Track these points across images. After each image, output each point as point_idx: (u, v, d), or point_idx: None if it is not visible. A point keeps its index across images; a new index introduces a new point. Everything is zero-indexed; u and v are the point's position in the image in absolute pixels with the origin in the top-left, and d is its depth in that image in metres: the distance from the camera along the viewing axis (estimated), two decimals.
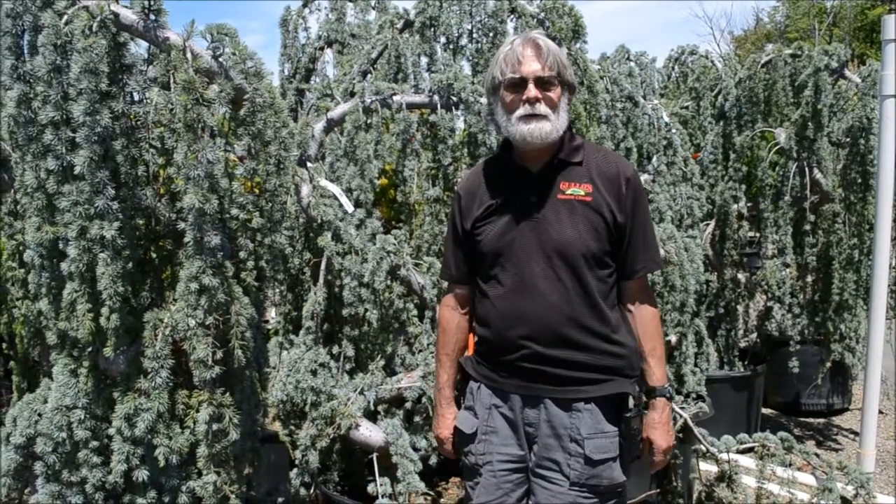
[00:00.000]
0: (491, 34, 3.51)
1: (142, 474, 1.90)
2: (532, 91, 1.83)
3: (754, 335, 5.12)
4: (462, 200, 2.01)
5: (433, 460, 2.84)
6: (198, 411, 1.91)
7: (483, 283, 1.97)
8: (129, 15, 1.88)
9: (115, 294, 1.83)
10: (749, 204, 4.70)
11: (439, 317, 2.16)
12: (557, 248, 1.84)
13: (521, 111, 1.84)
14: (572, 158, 1.91)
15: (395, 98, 3.19)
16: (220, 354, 1.89)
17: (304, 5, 5.05)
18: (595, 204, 1.86)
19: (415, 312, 3.01)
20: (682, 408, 3.26)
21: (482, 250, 1.94)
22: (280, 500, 3.02)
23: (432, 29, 3.62)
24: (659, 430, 1.96)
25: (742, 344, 5.01)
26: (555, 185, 1.89)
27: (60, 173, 1.82)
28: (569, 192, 1.87)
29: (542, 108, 1.84)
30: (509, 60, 1.86)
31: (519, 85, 1.85)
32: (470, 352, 2.08)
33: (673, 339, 3.47)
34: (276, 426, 2.94)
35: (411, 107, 3.24)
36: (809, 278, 4.70)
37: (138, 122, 1.94)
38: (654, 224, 2.27)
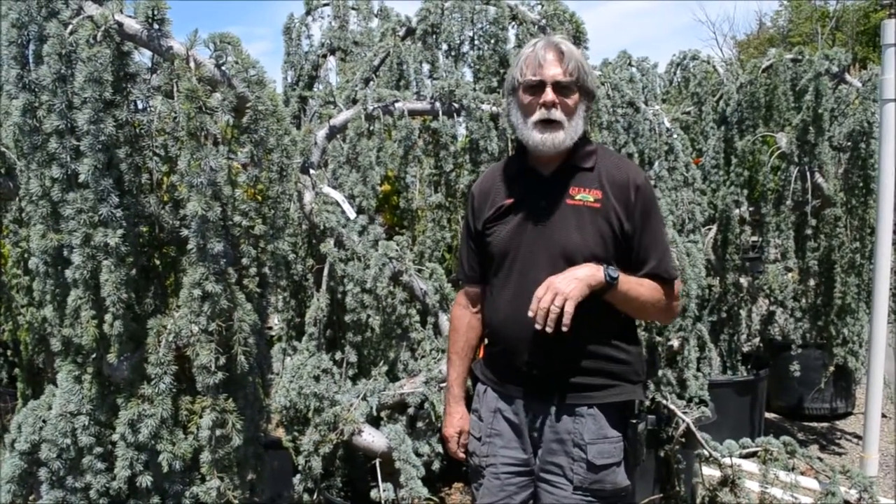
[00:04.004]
0: (492, 41, 3.53)
1: (145, 480, 1.90)
2: (549, 95, 1.83)
3: (757, 339, 5.12)
4: (475, 200, 2.02)
5: (436, 466, 2.84)
6: (201, 417, 1.92)
7: (491, 285, 1.99)
8: (132, 24, 1.89)
9: (119, 301, 1.84)
10: (751, 208, 4.70)
11: (451, 315, 2.18)
12: (563, 253, 1.84)
13: (536, 115, 1.84)
14: (583, 164, 1.91)
15: (397, 105, 3.21)
16: (223, 360, 1.90)
17: (307, 13, 5.08)
18: (603, 211, 1.85)
19: (417, 318, 3.02)
20: (684, 412, 3.26)
21: (491, 252, 1.96)
22: None
23: (434, 36, 3.63)
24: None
25: (745, 348, 5.01)
26: (565, 190, 1.89)
27: (65, 181, 1.83)
28: (578, 197, 1.87)
29: (557, 113, 1.83)
30: (530, 63, 1.85)
31: (537, 88, 1.84)
32: (481, 355, 2.10)
33: (675, 343, 3.48)
34: (280, 432, 2.95)
35: (413, 113, 3.25)
36: (812, 282, 4.70)
37: (142, 131, 1.95)
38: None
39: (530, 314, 1.74)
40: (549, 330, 1.72)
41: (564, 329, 1.71)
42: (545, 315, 1.72)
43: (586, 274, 1.76)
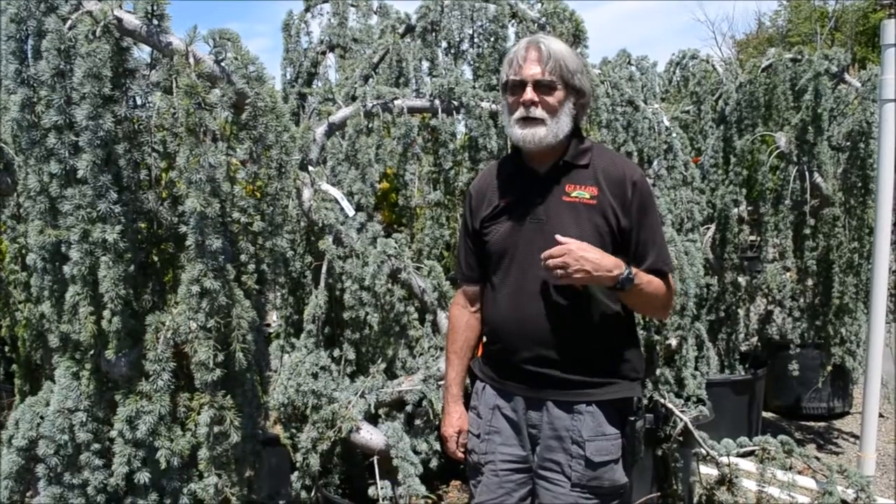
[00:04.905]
0: (492, 39, 3.52)
1: (143, 476, 1.91)
2: (528, 94, 1.84)
3: (755, 339, 5.13)
4: (472, 200, 2.03)
5: (434, 463, 2.84)
6: (199, 414, 1.92)
7: (490, 283, 1.99)
8: (132, 20, 1.89)
9: (117, 297, 1.84)
10: (749, 208, 4.71)
11: (449, 315, 2.18)
12: None
13: (517, 114, 1.86)
14: (578, 161, 1.91)
15: (396, 102, 3.20)
16: (221, 357, 1.90)
17: (307, 10, 5.06)
18: (599, 207, 1.86)
19: (415, 316, 3.02)
20: (682, 411, 3.26)
21: (489, 250, 1.96)
22: (281, 503, 3.03)
23: (434, 33, 3.63)
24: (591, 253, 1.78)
25: (743, 347, 5.01)
26: (560, 188, 1.89)
27: (63, 177, 1.83)
28: (574, 194, 1.88)
29: (537, 111, 1.84)
30: (513, 63, 1.88)
31: (519, 87, 1.86)
32: (480, 353, 2.10)
33: (673, 342, 3.48)
34: (278, 429, 2.95)
35: (412, 111, 3.25)
36: (810, 282, 4.71)
37: (141, 127, 1.95)
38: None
39: (543, 255, 1.77)
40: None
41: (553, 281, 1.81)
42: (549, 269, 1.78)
43: (602, 273, 1.76)
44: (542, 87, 1.84)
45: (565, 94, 1.87)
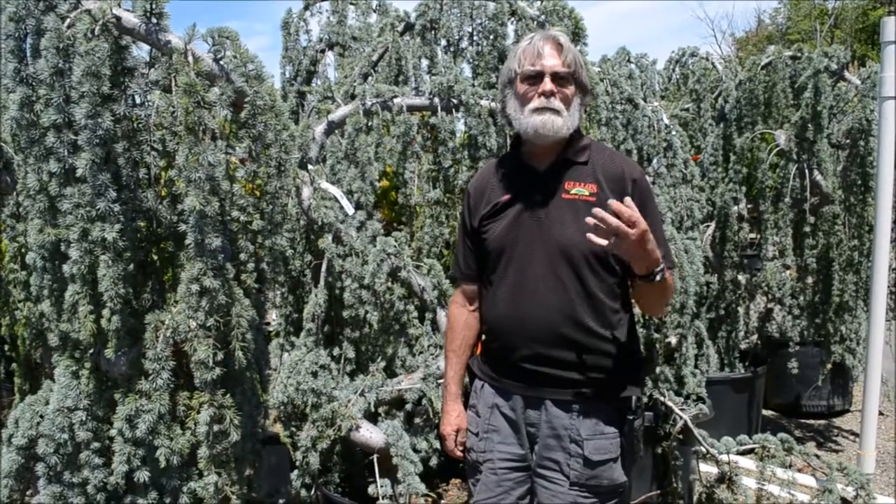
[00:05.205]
0: (491, 37, 3.52)
1: (143, 475, 1.91)
2: (548, 85, 1.84)
3: (755, 337, 5.13)
4: (471, 198, 2.03)
5: (433, 462, 2.84)
6: (199, 412, 1.92)
7: (488, 281, 1.99)
8: (130, 18, 1.89)
9: (117, 296, 1.84)
10: (749, 206, 4.70)
11: (448, 313, 2.18)
12: (560, 248, 1.85)
13: (535, 103, 1.86)
14: (578, 158, 1.92)
15: (395, 100, 3.20)
16: (220, 356, 1.90)
17: (306, 8, 5.06)
18: (598, 204, 1.84)
19: (415, 314, 3.02)
20: (682, 409, 3.26)
21: (488, 248, 1.96)
22: (281, 501, 3.03)
23: (433, 31, 3.63)
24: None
25: (742, 346, 5.01)
26: (560, 185, 1.89)
27: (62, 176, 1.83)
28: (573, 191, 1.88)
29: (556, 102, 1.85)
30: (528, 54, 1.87)
31: (535, 78, 1.86)
32: (479, 351, 2.10)
33: (673, 340, 3.48)
34: (277, 428, 2.95)
35: (412, 109, 3.25)
36: (810, 280, 4.70)
37: (140, 125, 1.95)
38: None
39: (610, 203, 1.62)
40: (589, 222, 1.63)
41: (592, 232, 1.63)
42: (605, 230, 1.62)
43: (644, 259, 1.70)
44: (560, 79, 1.86)
45: (576, 90, 1.89)
